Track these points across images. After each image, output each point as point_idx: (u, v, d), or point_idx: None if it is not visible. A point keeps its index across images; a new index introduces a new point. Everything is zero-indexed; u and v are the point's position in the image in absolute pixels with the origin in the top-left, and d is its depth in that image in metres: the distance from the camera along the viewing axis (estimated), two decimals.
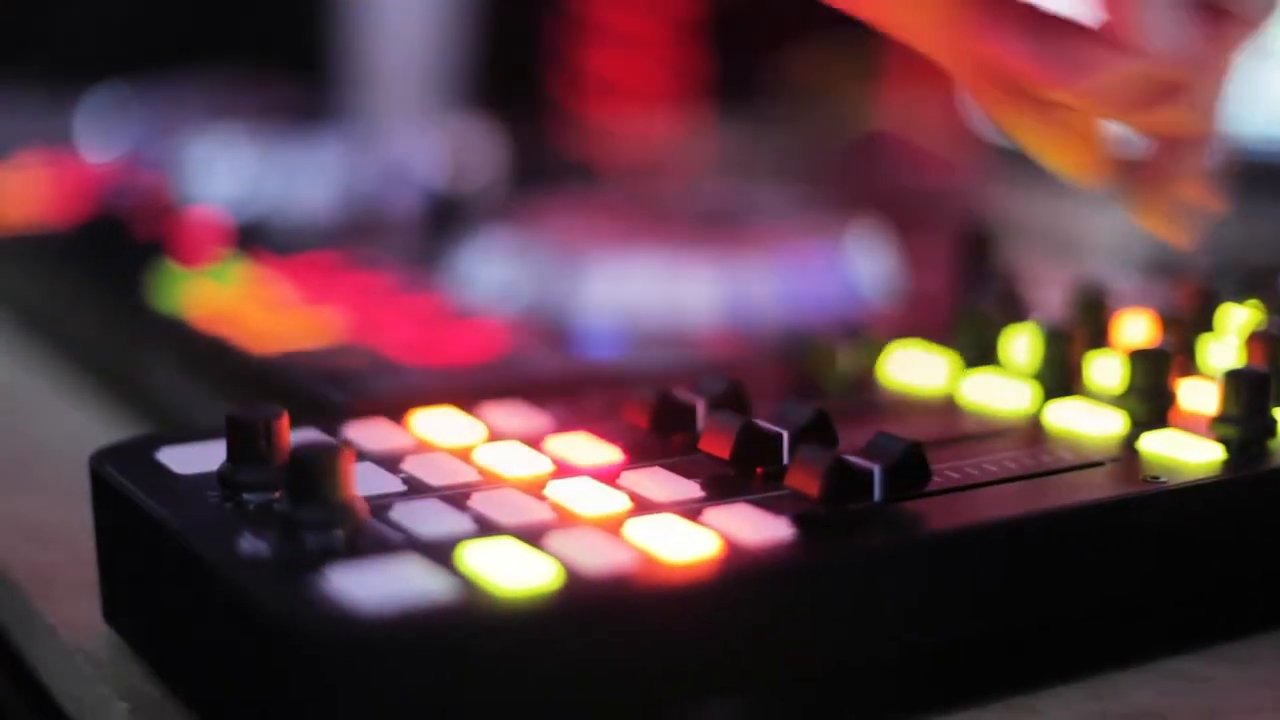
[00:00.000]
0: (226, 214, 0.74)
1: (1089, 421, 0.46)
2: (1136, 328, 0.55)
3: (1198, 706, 0.40)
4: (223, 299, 0.63)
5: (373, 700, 0.33)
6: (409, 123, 1.00)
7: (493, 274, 0.63)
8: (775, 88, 1.26)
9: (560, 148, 1.02)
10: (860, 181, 1.00)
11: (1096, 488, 0.42)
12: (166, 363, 0.61)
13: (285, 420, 0.42)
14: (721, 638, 0.36)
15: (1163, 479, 0.42)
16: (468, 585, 0.35)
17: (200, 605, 0.38)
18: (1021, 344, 0.52)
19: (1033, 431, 0.46)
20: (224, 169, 0.83)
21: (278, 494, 0.40)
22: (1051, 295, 0.58)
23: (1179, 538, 0.42)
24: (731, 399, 0.45)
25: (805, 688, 0.38)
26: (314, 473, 0.38)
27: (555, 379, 0.52)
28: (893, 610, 0.38)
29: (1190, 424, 0.46)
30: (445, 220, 0.72)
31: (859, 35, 1.23)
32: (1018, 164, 1.02)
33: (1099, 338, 0.53)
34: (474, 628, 0.34)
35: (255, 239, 0.70)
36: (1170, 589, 0.42)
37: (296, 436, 0.44)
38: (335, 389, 0.50)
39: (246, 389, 0.55)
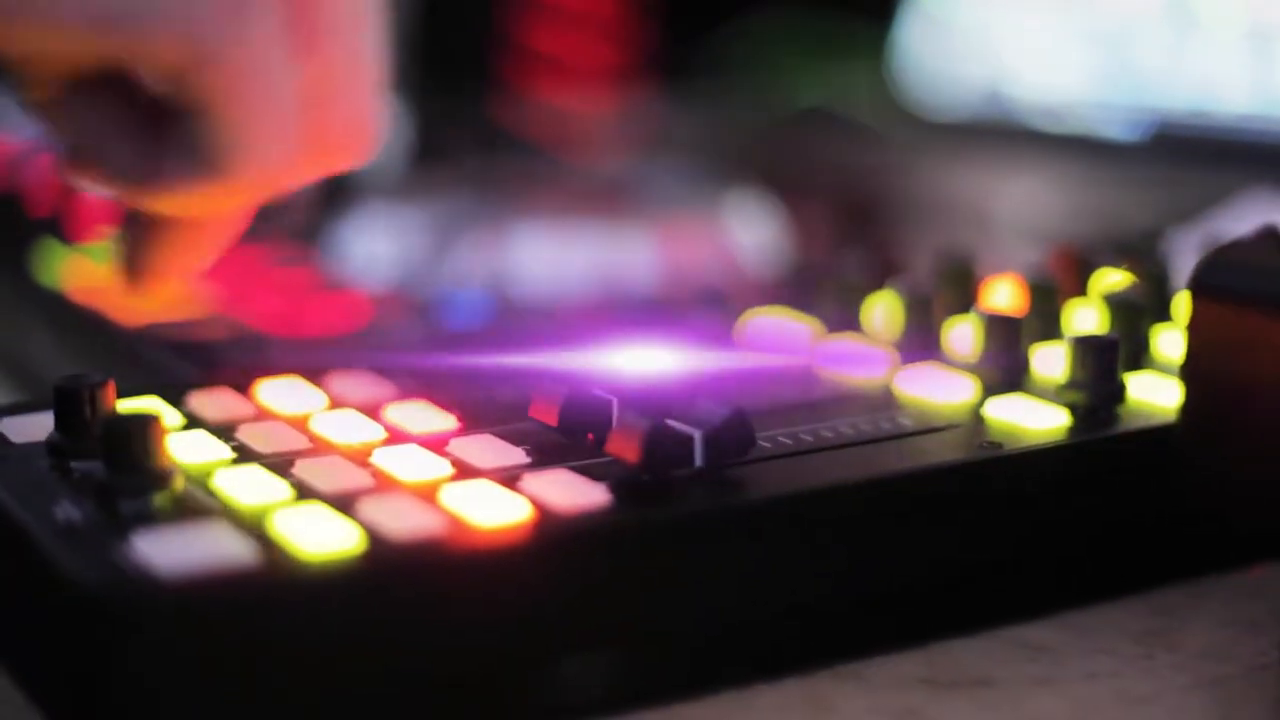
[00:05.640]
0: None
1: (941, 388, 0.46)
2: (1003, 294, 0.54)
3: (1030, 674, 0.40)
4: (102, 275, 0.63)
5: (172, 663, 0.33)
6: None
7: (373, 246, 0.62)
8: (717, 63, 1.25)
9: (483, 123, 1.01)
10: (795, 158, 0.99)
11: (928, 453, 0.41)
12: (43, 334, 0.61)
13: (110, 388, 0.41)
14: (529, 604, 0.36)
15: (1001, 444, 0.42)
16: (271, 549, 0.35)
17: (16, 570, 0.38)
18: (883, 310, 0.51)
19: (883, 397, 0.46)
20: None
21: None
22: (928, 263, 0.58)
23: (1017, 504, 0.41)
24: None
25: (623, 657, 0.37)
26: (126, 439, 0.37)
27: (414, 350, 0.51)
28: (710, 578, 0.38)
29: (1043, 390, 0.45)
30: (336, 190, 0.71)
31: (802, 12, 1.24)
32: (949, 139, 1.02)
33: (964, 305, 0.52)
34: (272, 590, 0.34)
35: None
36: (1010, 556, 0.42)
37: (133, 405, 0.43)
38: (188, 363, 0.50)
39: (115, 361, 0.55)
